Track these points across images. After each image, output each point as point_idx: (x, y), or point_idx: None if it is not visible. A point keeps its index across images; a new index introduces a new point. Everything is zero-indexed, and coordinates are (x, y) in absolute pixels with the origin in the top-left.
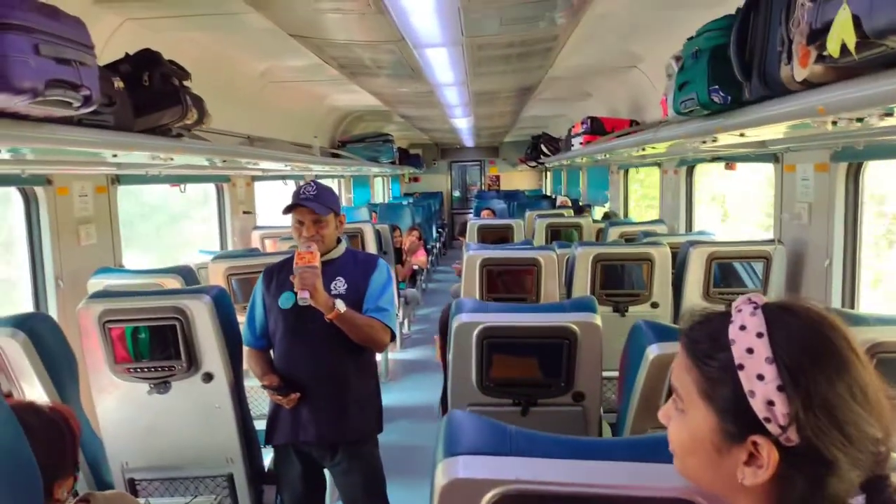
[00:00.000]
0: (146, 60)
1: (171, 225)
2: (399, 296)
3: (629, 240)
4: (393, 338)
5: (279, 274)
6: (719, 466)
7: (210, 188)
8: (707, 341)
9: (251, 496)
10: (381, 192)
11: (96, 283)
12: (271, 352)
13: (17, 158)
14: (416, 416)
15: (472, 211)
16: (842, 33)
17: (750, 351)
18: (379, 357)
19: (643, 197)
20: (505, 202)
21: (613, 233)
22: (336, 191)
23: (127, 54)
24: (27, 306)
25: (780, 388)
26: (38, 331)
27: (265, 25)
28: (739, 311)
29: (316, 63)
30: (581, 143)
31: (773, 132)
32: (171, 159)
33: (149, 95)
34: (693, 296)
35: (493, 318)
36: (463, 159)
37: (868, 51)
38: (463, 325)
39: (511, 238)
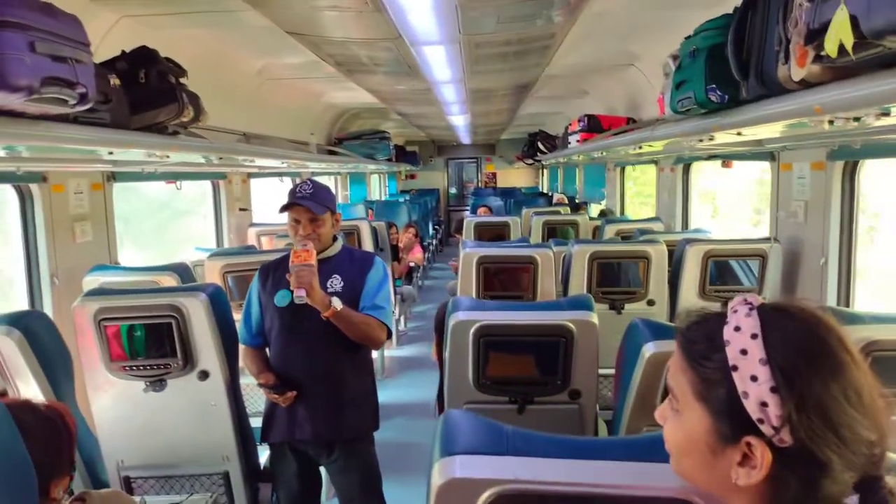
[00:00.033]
0: (142, 58)
1: (176, 220)
2: (395, 293)
3: (625, 237)
4: (389, 335)
5: (275, 272)
6: (714, 467)
7: (209, 185)
8: (703, 342)
9: (247, 494)
10: (377, 189)
11: (92, 281)
12: (267, 350)
13: (12, 156)
14: (413, 413)
15: (468, 208)
16: (840, 34)
17: (744, 352)
18: (375, 354)
19: (637, 194)
20: (502, 199)
21: (610, 230)
22: (332, 188)
23: (123, 52)
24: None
25: (773, 390)
26: (33, 329)
27: (262, 23)
28: (735, 311)
29: (313, 60)
30: (578, 141)
31: (769, 131)
32: (167, 157)
33: (145, 93)
34: (689, 294)
35: (489, 316)
36: (460, 156)
37: (865, 51)
38: (460, 324)
39: (508, 235)
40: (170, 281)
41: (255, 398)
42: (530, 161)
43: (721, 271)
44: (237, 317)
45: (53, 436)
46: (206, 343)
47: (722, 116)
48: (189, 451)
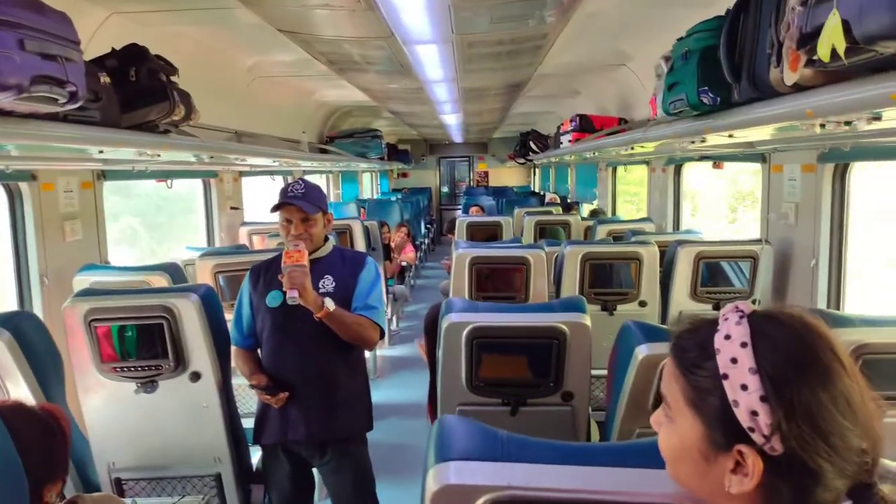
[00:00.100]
0: (133, 55)
1: (184, 215)
2: (387, 293)
3: (617, 238)
4: (382, 335)
5: (266, 273)
6: (707, 474)
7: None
8: (695, 350)
9: (239, 496)
10: (369, 187)
11: (82, 280)
12: (259, 351)
13: (1, 154)
14: (405, 413)
15: (460, 207)
16: (832, 38)
17: (734, 361)
18: (367, 354)
19: (622, 193)
20: (494, 199)
21: (601, 231)
22: (324, 186)
23: (113, 49)
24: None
25: (763, 399)
26: (23, 329)
27: (253, 20)
28: (726, 319)
29: (304, 58)
30: (570, 141)
31: (761, 133)
32: (158, 156)
33: (136, 91)
34: (681, 295)
35: (482, 317)
36: (452, 155)
37: (857, 56)
38: (453, 325)
39: (500, 235)
40: (161, 280)
41: (248, 399)
42: (522, 160)
43: (712, 273)
44: (229, 317)
45: (48, 440)
46: (198, 344)
47: (714, 118)
48: (181, 452)
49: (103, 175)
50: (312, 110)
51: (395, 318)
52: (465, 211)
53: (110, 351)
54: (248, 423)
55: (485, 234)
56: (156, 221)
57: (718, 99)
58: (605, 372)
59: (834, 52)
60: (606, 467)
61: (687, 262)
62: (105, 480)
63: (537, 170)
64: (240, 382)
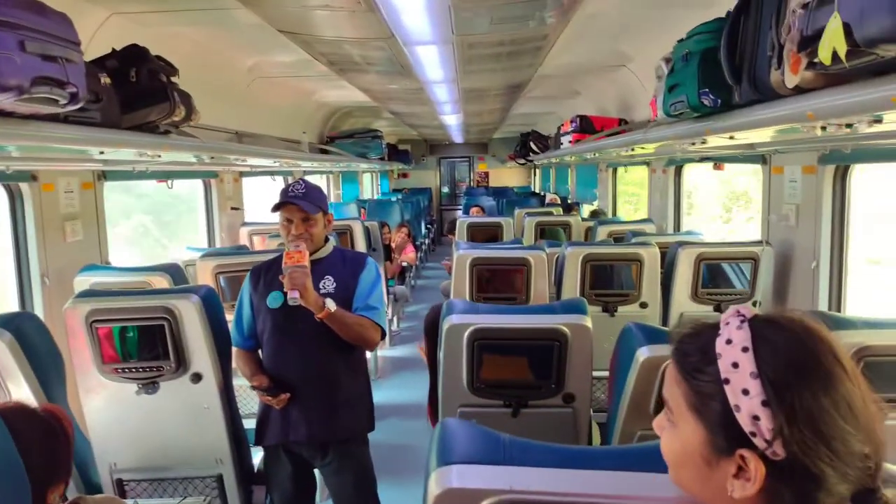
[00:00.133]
0: (133, 56)
1: (193, 214)
2: (388, 293)
3: (618, 239)
4: (383, 336)
5: (266, 273)
6: (709, 478)
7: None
8: (696, 354)
9: (240, 497)
10: (369, 187)
11: (83, 281)
12: (260, 352)
13: (1, 155)
14: (406, 413)
15: (460, 207)
16: (833, 41)
17: (735, 365)
18: (368, 355)
19: (621, 193)
20: (494, 199)
21: (602, 232)
22: (325, 187)
23: (114, 50)
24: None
25: (764, 403)
26: (24, 330)
27: (253, 21)
28: (727, 324)
29: (305, 59)
30: (570, 142)
31: (761, 135)
32: (159, 156)
33: (136, 92)
34: (682, 296)
35: (484, 319)
36: (452, 155)
37: (858, 59)
38: (454, 327)
39: (501, 236)
40: (161, 281)
41: (249, 400)
42: (522, 161)
43: (713, 274)
44: (229, 318)
45: (51, 442)
46: (199, 345)
47: (714, 120)
48: (182, 453)
49: (104, 175)
50: (313, 111)
51: (395, 319)
52: (466, 211)
53: (111, 352)
54: (249, 424)
55: (485, 234)
56: (166, 219)
57: (719, 101)
58: (606, 373)
59: (835, 55)
60: (608, 471)
61: (688, 264)
62: (107, 481)
63: (537, 170)
64: (241, 383)
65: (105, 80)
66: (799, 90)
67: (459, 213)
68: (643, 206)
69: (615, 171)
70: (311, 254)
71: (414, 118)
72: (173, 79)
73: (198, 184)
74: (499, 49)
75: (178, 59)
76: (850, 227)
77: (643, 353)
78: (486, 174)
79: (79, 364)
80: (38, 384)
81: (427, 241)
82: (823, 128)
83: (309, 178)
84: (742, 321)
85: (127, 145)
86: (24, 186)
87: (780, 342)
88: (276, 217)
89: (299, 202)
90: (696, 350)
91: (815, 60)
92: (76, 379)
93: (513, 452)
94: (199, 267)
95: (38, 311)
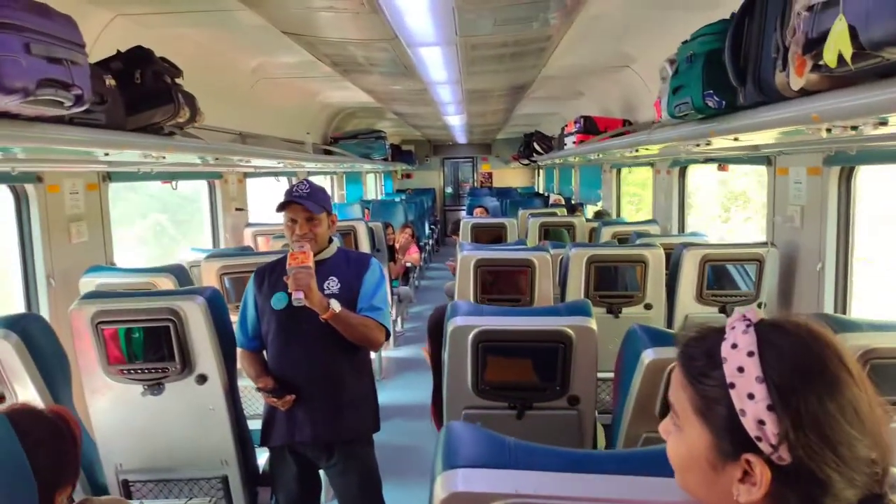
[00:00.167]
0: (138, 58)
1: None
2: (392, 294)
3: (622, 240)
4: (388, 336)
5: (271, 275)
6: (715, 483)
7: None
8: (702, 359)
9: (246, 498)
10: (373, 188)
11: (88, 282)
12: (264, 352)
13: (7, 157)
14: (411, 414)
15: (464, 208)
16: (838, 44)
17: (741, 369)
18: (373, 355)
19: (623, 194)
20: (498, 200)
21: (606, 233)
22: (329, 187)
23: (118, 52)
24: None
25: (769, 408)
26: (30, 332)
27: (257, 22)
28: (733, 328)
29: (309, 60)
30: (574, 142)
31: (766, 137)
32: (164, 157)
33: (141, 93)
34: (687, 298)
35: (488, 321)
36: (455, 156)
37: (864, 61)
38: (458, 329)
39: (505, 237)
40: (166, 282)
41: (254, 401)
42: (526, 161)
43: (718, 275)
44: (234, 318)
45: (59, 444)
46: (204, 347)
47: (719, 122)
48: (187, 454)
49: (108, 177)
50: (316, 111)
51: (399, 320)
52: (470, 212)
53: (117, 353)
54: (254, 425)
55: (489, 235)
56: (181, 218)
57: (724, 102)
58: (610, 375)
59: (840, 58)
60: (614, 475)
61: (693, 265)
62: (112, 482)
63: (541, 171)
64: (245, 384)
65: (110, 81)
66: (804, 92)
67: (463, 213)
68: (644, 206)
69: (619, 171)
70: (315, 254)
71: (417, 119)
72: (178, 80)
73: (202, 184)
74: (502, 50)
75: (182, 61)
76: (856, 229)
77: (648, 356)
78: (490, 175)
79: (84, 365)
80: (44, 385)
81: (431, 241)
82: (829, 130)
83: (313, 179)
84: (748, 325)
85: (132, 147)
86: (30, 188)
87: (785, 346)
88: (281, 218)
89: (304, 202)
90: (702, 354)
91: (821, 63)
92: (82, 380)
93: (518, 456)
94: (204, 268)
95: (44, 312)
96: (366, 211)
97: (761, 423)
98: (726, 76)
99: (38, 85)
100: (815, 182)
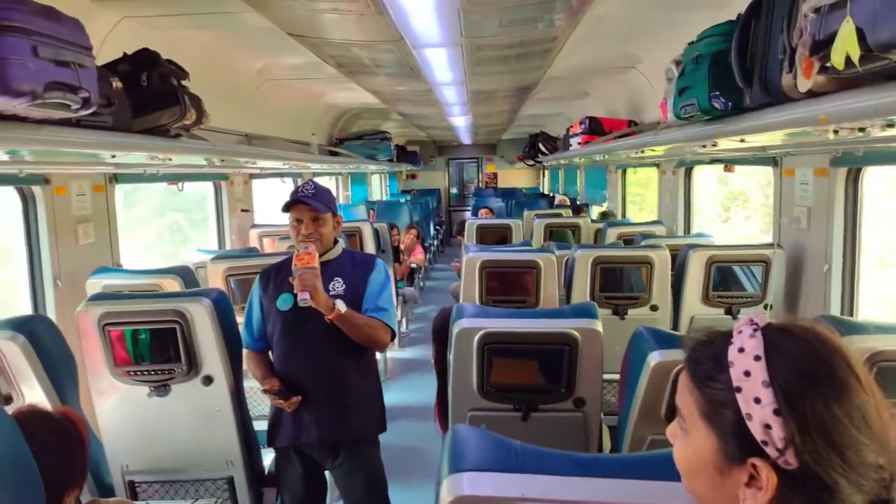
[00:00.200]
0: (144, 60)
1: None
2: (397, 295)
3: (627, 241)
4: (393, 337)
5: (276, 276)
6: (722, 487)
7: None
8: (709, 362)
9: (251, 499)
10: (378, 189)
11: (95, 283)
12: (270, 353)
13: (14, 159)
14: (416, 415)
15: (469, 208)
16: (846, 46)
17: (747, 374)
18: (378, 356)
19: (626, 193)
20: (503, 200)
21: (612, 234)
22: (334, 188)
23: (125, 54)
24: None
25: (776, 412)
26: (37, 333)
27: (262, 24)
28: (740, 332)
29: (314, 61)
30: (579, 143)
31: (773, 138)
32: (170, 159)
33: (147, 96)
34: (692, 299)
35: (494, 323)
36: (460, 156)
37: (872, 63)
38: (464, 331)
39: (510, 238)
40: (172, 283)
41: (259, 402)
42: (531, 162)
43: (724, 277)
44: (240, 320)
45: (68, 446)
46: (211, 348)
47: (725, 123)
48: (193, 455)
49: (115, 178)
50: (322, 113)
51: (404, 321)
52: (475, 213)
53: (124, 354)
54: (259, 426)
55: (495, 236)
56: (196, 217)
57: (730, 104)
58: (616, 376)
59: (848, 60)
60: (621, 479)
61: (699, 266)
62: (118, 482)
63: (546, 171)
64: (251, 385)
65: (117, 84)
66: (811, 94)
67: (468, 214)
68: (646, 206)
69: (625, 172)
70: (320, 255)
71: (422, 120)
72: (184, 82)
73: (209, 185)
74: (507, 51)
75: (188, 62)
76: (863, 230)
77: (654, 358)
78: (495, 175)
79: (91, 366)
80: (51, 386)
81: (436, 242)
82: (836, 131)
83: (318, 180)
84: (755, 329)
85: (138, 149)
86: (37, 189)
87: (792, 351)
88: (286, 219)
89: (310, 201)
90: (709, 358)
91: (828, 65)
92: (88, 381)
93: (525, 460)
94: (210, 269)
95: (51, 313)
96: (371, 212)
97: (767, 427)
98: (732, 77)
99: (46, 88)
100: (822, 183)
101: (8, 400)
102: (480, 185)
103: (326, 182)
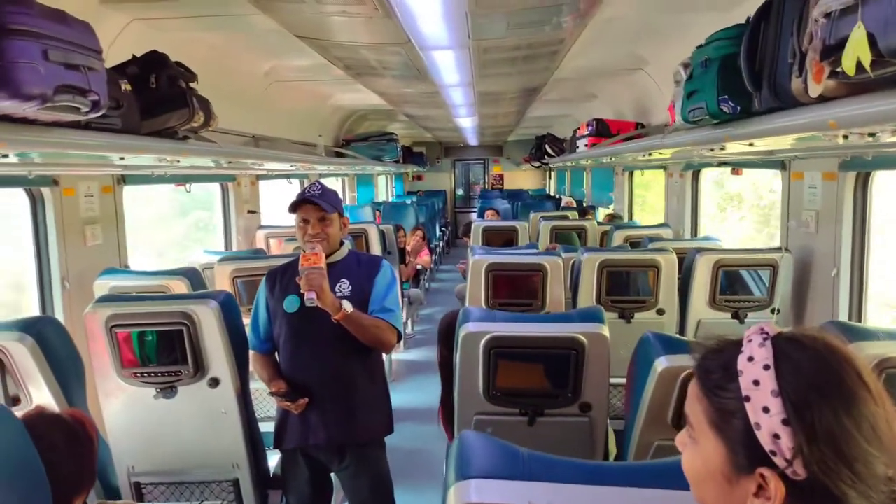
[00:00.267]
0: (153, 62)
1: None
2: (403, 296)
3: (634, 244)
4: (399, 338)
5: (282, 277)
6: (730, 496)
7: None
8: (718, 371)
9: (257, 501)
10: (384, 190)
11: (102, 285)
12: (276, 355)
13: (24, 161)
14: (422, 418)
15: (475, 210)
16: (857, 51)
17: (756, 383)
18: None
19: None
20: (509, 202)
21: (618, 236)
22: (340, 189)
23: (134, 56)
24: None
25: (784, 422)
26: (45, 335)
27: (270, 26)
28: (750, 341)
29: (321, 63)
30: (586, 145)
31: (781, 142)
32: (178, 161)
33: (156, 98)
34: (699, 303)
35: (500, 327)
36: (467, 158)
37: (883, 69)
38: (470, 335)
39: (516, 240)
40: (179, 285)
41: (265, 404)
42: (538, 163)
43: (731, 281)
44: (246, 321)
45: (77, 448)
46: (217, 351)
47: (734, 127)
48: (199, 457)
49: (123, 179)
50: (328, 114)
51: (409, 322)
52: (481, 214)
53: (131, 356)
54: (265, 428)
55: (501, 239)
56: (195, 219)
57: (739, 108)
58: (622, 380)
59: (859, 65)
60: (628, 487)
61: (706, 270)
62: (124, 484)
63: (553, 173)
64: (257, 387)
65: (126, 86)
66: (821, 98)
67: (474, 215)
68: (648, 206)
69: (631, 174)
70: (326, 256)
71: (429, 121)
72: (192, 84)
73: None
74: (515, 53)
75: (196, 64)
76: (871, 235)
77: (661, 363)
78: (501, 177)
79: (98, 368)
80: (58, 388)
81: (442, 243)
82: (845, 136)
83: (324, 181)
84: (765, 339)
85: (147, 151)
86: (46, 191)
87: (802, 360)
88: (293, 220)
89: (317, 201)
90: (719, 367)
91: (838, 70)
92: (95, 382)
93: (532, 467)
94: (217, 271)
95: (59, 315)
96: (377, 213)
97: (776, 436)
98: (741, 81)
99: (56, 91)
100: (831, 187)
101: (15, 401)
102: (486, 186)
103: (332, 183)
